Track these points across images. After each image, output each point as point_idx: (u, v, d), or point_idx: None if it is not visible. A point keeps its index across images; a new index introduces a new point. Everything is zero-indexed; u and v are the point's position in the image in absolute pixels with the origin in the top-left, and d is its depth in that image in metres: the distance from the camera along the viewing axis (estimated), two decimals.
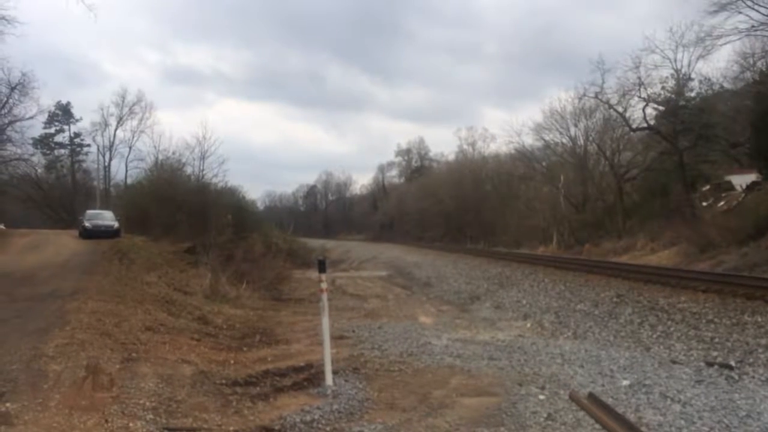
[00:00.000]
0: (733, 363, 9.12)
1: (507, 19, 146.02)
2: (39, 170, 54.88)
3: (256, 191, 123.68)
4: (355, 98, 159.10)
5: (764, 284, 13.30)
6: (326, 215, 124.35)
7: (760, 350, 9.53)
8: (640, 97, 35.40)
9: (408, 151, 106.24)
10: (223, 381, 7.54)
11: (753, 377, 8.25)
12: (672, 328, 11.78)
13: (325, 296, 7.55)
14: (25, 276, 14.31)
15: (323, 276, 7.68)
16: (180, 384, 6.96)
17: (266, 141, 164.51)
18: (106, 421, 5.30)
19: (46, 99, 65.04)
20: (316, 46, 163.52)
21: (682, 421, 6.05)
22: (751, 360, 9.19)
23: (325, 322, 7.49)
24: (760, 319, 10.94)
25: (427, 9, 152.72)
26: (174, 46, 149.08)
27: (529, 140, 52.08)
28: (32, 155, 52.27)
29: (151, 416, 5.66)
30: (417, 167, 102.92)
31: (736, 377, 8.26)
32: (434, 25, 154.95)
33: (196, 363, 8.19)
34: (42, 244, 22.83)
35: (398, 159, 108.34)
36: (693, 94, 35.16)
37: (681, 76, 34.03)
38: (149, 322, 10.29)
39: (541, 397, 6.91)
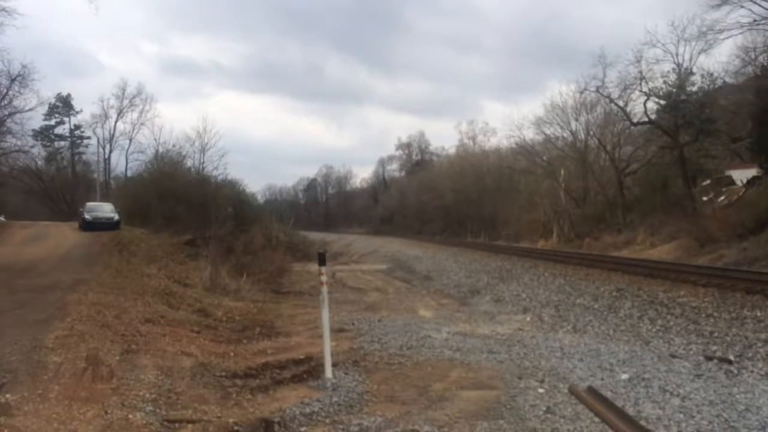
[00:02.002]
0: (732, 357, 9.14)
1: (507, 10, 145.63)
2: (39, 162, 54.89)
3: (256, 184, 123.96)
4: (354, 91, 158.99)
5: (764, 279, 13.32)
6: (326, 208, 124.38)
7: (759, 344, 9.54)
8: (641, 91, 35.34)
9: (408, 145, 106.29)
10: (223, 373, 7.54)
11: (752, 371, 8.27)
12: (671, 323, 11.80)
13: (325, 289, 7.54)
14: (25, 268, 14.33)
15: (323, 269, 7.67)
16: (180, 376, 6.97)
17: (265, 134, 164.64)
18: (106, 412, 5.30)
19: (45, 91, 64.87)
20: (315, 37, 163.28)
21: (681, 415, 6.06)
22: (750, 354, 9.20)
23: (325, 314, 7.49)
24: (759, 314, 10.95)
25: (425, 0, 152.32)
26: (171, 38, 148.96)
27: (529, 134, 52.06)
28: (32, 147, 52.18)
29: (151, 408, 5.66)
30: (417, 161, 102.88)
31: (735, 371, 8.28)
32: (433, 16, 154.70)
33: (195, 355, 8.19)
34: (42, 236, 22.85)
35: (399, 152, 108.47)
36: (694, 89, 35.03)
37: (682, 70, 33.95)
38: (149, 314, 10.29)
39: (541, 390, 6.92)
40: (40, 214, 45.35)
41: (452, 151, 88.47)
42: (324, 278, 7.58)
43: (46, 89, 75.93)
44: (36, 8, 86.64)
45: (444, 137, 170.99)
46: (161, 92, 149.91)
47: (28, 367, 6.29)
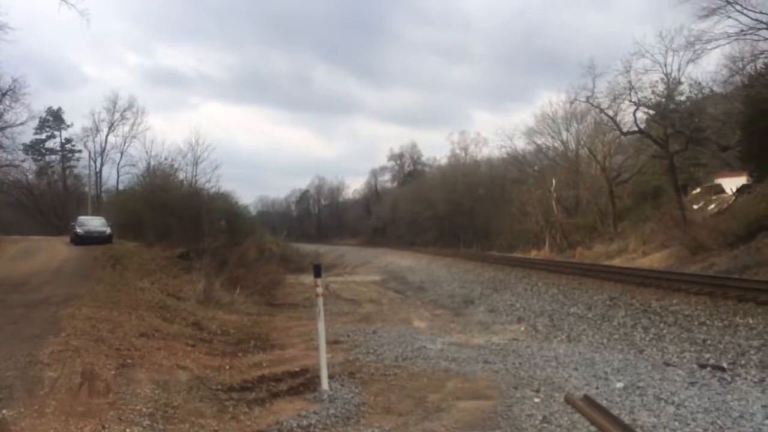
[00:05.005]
0: (725, 365, 9.21)
1: (495, 19, 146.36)
2: (30, 176, 54.65)
3: (248, 196, 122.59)
4: (342, 101, 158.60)
5: (755, 286, 13.41)
6: (319, 220, 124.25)
7: (752, 352, 9.62)
8: (630, 101, 35.54)
9: (400, 156, 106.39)
10: (219, 386, 7.54)
11: (745, 378, 8.33)
12: (665, 331, 11.86)
13: (320, 301, 7.57)
14: (18, 283, 14.24)
15: (319, 281, 7.69)
16: (176, 390, 6.96)
17: (255, 145, 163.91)
18: (103, 427, 5.29)
19: (32, 104, 64.26)
20: (301, 47, 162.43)
21: (676, 423, 6.10)
22: (743, 361, 9.27)
23: (321, 326, 7.51)
24: (751, 321, 11.03)
25: (411, 8, 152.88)
26: (155, 48, 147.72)
27: (521, 144, 52.54)
28: (23, 161, 52.15)
29: (148, 422, 5.65)
30: (410, 171, 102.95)
31: (729, 379, 8.34)
32: (420, 25, 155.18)
33: (191, 369, 8.18)
34: (34, 251, 22.72)
35: (391, 163, 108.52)
36: (683, 98, 35.39)
37: (671, 80, 34.25)
38: (143, 328, 10.26)
39: (537, 399, 6.95)
40: (31, 228, 44.99)
41: (444, 161, 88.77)
42: (320, 290, 7.61)
43: (34, 103, 75.32)
44: (17, 21, 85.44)
45: (435, 147, 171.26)
46: (146, 103, 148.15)
47: (23, 382, 6.26)
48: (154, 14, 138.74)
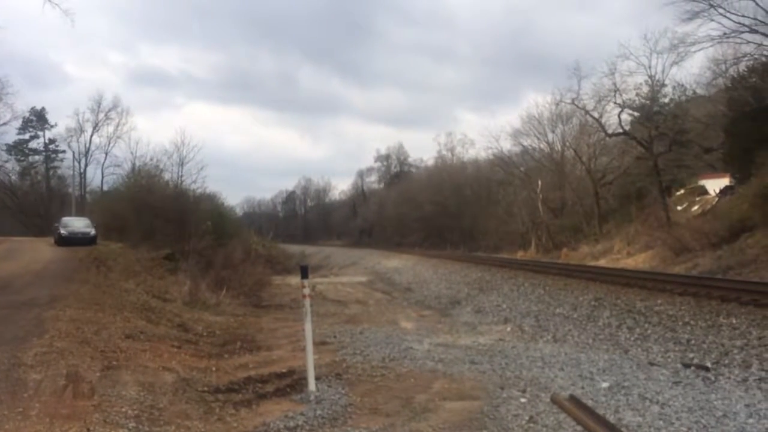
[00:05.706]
0: (709, 364, 9.30)
1: (481, 19, 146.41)
2: (13, 177, 54.15)
3: (234, 197, 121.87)
4: (328, 101, 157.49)
5: (738, 287, 13.58)
6: (305, 221, 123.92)
7: (735, 351, 9.73)
8: (615, 103, 35.94)
9: (387, 157, 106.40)
10: (205, 388, 7.49)
11: (729, 378, 8.42)
12: (649, 331, 11.97)
13: (308, 302, 7.55)
14: (0, 284, 14.07)
15: (306, 282, 7.67)
16: (162, 391, 6.91)
17: (241, 146, 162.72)
18: (88, 429, 5.24)
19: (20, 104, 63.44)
20: (287, 47, 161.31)
21: (661, 422, 6.16)
22: (726, 361, 9.38)
23: (308, 327, 7.49)
24: (734, 321, 11.15)
25: (396, 8, 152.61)
26: (139, 47, 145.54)
27: (507, 145, 52.75)
28: (6, 162, 51.66)
29: (134, 424, 5.61)
30: (396, 173, 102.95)
31: (713, 378, 8.43)
32: (405, 26, 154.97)
33: (177, 370, 8.12)
34: (17, 252, 22.48)
35: (377, 164, 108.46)
36: (667, 100, 35.77)
37: (655, 82, 34.62)
38: (129, 329, 10.17)
39: (523, 400, 6.99)
40: (14, 229, 44.52)
41: (431, 162, 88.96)
42: (307, 291, 7.59)
43: (17, 102, 74.16)
44: None
45: (422, 148, 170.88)
46: (131, 103, 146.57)
47: (7, 385, 6.19)
48: (138, 13, 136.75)
